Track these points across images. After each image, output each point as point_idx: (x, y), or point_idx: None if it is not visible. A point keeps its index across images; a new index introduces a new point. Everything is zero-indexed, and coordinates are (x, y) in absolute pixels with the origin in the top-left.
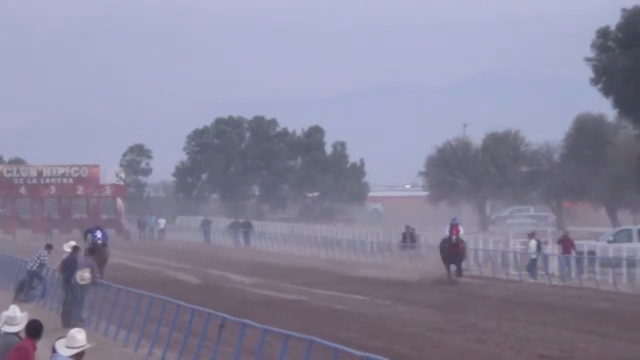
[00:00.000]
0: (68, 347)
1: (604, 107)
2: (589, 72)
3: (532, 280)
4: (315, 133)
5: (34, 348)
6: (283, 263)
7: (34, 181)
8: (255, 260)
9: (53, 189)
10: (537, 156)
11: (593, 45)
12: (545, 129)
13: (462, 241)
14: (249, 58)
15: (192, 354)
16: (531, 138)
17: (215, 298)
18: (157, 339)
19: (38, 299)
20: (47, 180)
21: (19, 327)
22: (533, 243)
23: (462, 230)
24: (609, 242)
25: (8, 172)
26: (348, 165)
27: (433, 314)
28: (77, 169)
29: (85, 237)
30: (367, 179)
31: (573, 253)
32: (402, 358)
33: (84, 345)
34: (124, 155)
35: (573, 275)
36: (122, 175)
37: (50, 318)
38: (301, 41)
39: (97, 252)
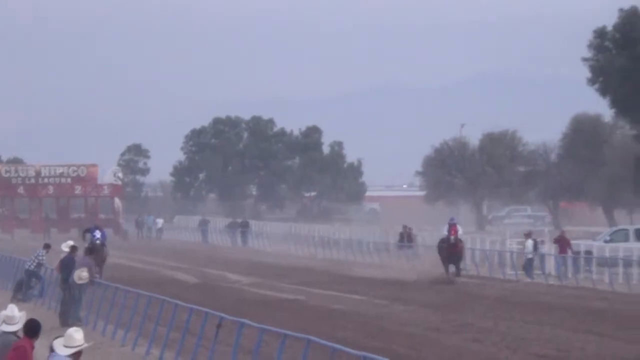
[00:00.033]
0: (66, 347)
1: (601, 107)
2: (586, 72)
3: (528, 280)
4: (313, 133)
5: (32, 347)
6: (280, 263)
7: (32, 181)
8: (252, 259)
9: (51, 189)
10: (534, 156)
11: (590, 46)
12: (542, 129)
13: (460, 241)
14: (247, 58)
15: (190, 353)
16: (528, 138)
17: (213, 297)
18: (154, 339)
19: (36, 298)
20: (45, 180)
21: (17, 327)
22: (529, 243)
23: (460, 230)
24: (606, 241)
25: (6, 171)
26: (345, 165)
27: (430, 314)
28: (75, 168)
29: (83, 236)
30: (364, 178)
31: (569, 253)
32: (400, 357)
33: (82, 345)
34: (122, 155)
35: (570, 275)
36: (120, 174)
37: (48, 317)
38: (298, 41)
39: (95, 252)
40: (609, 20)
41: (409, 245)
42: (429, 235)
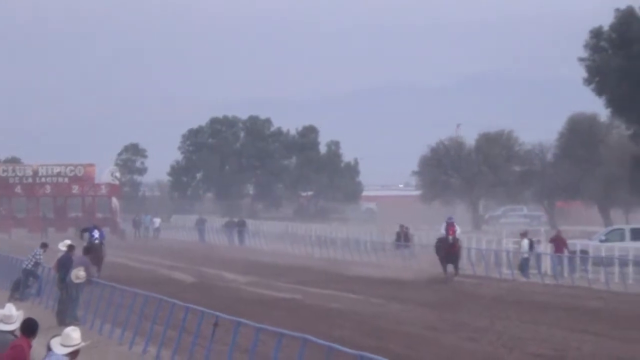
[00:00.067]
0: (63, 346)
1: (597, 107)
2: (582, 72)
3: (524, 280)
4: (310, 133)
5: (30, 346)
6: (277, 262)
7: (30, 180)
8: (249, 259)
9: (48, 188)
10: (530, 156)
11: (586, 46)
12: (539, 129)
13: (458, 240)
14: (244, 58)
15: (186, 352)
16: (524, 138)
17: (210, 296)
18: (151, 337)
19: (33, 298)
20: (43, 180)
21: (15, 326)
22: (525, 242)
23: (458, 230)
24: (602, 241)
25: (4, 171)
26: (342, 165)
27: (427, 313)
28: (72, 168)
29: (81, 236)
30: (361, 178)
31: (565, 252)
32: (396, 356)
33: (79, 344)
34: (119, 154)
35: (565, 274)
36: (117, 174)
37: (45, 316)
38: (295, 41)
39: (94, 252)
40: (606, 20)
41: (406, 244)
42: (425, 234)
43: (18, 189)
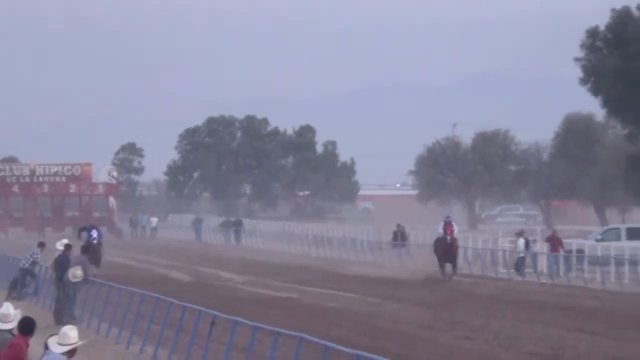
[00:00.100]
0: (60, 344)
1: (593, 107)
2: (578, 72)
3: (520, 279)
4: (306, 132)
5: (27, 345)
6: (274, 261)
7: (27, 179)
8: (246, 258)
9: (46, 187)
10: (526, 155)
11: (582, 45)
12: (535, 128)
13: (455, 240)
14: (240, 58)
15: (183, 351)
16: (520, 137)
17: (207, 296)
18: (148, 337)
19: (31, 297)
20: (40, 179)
21: (12, 325)
22: (521, 242)
23: (456, 229)
24: (597, 240)
25: (1, 170)
26: (339, 165)
27: (423, 312)
28: (69, 167)
29: (79, 235)
30: (357, 177)
31: (561, 251)
32: (392, 355)
33: (76, 343)
34: (117, 153)
35: (561, 274)
36: (115, 173)
37: (42, 315)
38: (292, 41)
39: (91, 251)
40: (601, 20)
41: (403, 243)
42: (422, 234)
43: (15, 188)
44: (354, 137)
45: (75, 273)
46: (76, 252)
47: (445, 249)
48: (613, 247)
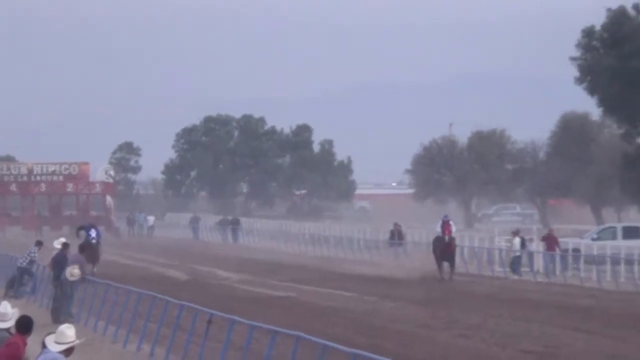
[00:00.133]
0: (58, 343)
1: (589, 106)
2: (574, 72)
3: (516, 277)
4: (303, 131)
5: (25, 344)
6: (271, 260)
7: (25, 178)
8: (243, 257)
9: (43, 187)
10: (522, 154)
11: (578, 45)
12: (531, 127)
13: (453, 239)
14: (237, 57)
15: (181, 349)
16: (517, 136)
17: (203, 294)
18: (145, 335)
19: (28, 295)
20: (38, 178)
21: (10, 323)
22: (517, 240)
23: (454, 228)
24: (593, 239)
25: None
26: (335, 163)
27: (420, 311)
28: (67, 166)
29: (77, 234)
30: (354, 176)
31: (557, 250)
32: (389, 354)
33: (74, 341)
34: (114, 153)
35: (558, 273)
36: (112, 172)
37: (40, 314)
38: (289, 40)
39: (89, 250)
40: (598, 19)
41: (400, 242)
42: (418, 233)
43: (13, 187)
44: (351, 136)
45: (73, 272)
46: (74, 250)
47: (444, 249)
48: (609, 246)
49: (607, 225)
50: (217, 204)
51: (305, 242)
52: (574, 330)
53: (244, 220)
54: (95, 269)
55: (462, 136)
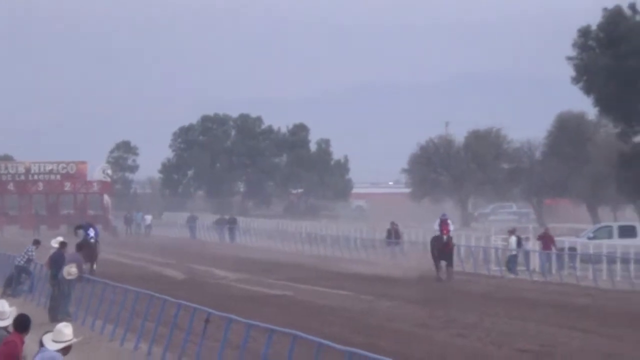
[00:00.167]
0: (55, 341)
1: (585, 106)
2: (570, 71)
3: (512, 276)
4: (300, 131)
5: (22, 342)
6: (268, 259)
7: (22, 177)
8: (240, 256)
9: (41, 186)
10: (518, 153)
11: (574, 45)
12: (527, 127)
13: (451, 239)
14: (235, 56)
15: (178, 348)
16: (513, 136)
17: (201, 293)
18: (143, 334)
19: (26, 294)
20: (35, 177)
21: (8, 322)
22: (513, 239)
23: (452, 227)
24: (590, 238)
25: None
26: (332, 163)
27: (416, 310)
28: (64, 165)
29: (75, 232)
30: (350, 176)
31: (553, 249)
32: (386, 353)
33: (71, 340)
34: (111, 152)
35: (554, 271)
36: (109, 171)
37: (37, 312)
38: (286, 40)
39: (87, 249)
40: (594, 19)
41: (396, 241)
42: (415, 232)
43: (10, 186)
44: (348, 136)
45: (70, 270)
46: (71, 249)
47: (442, 248)
48: (605, 245)
49: (603, 224)
50: (214, 203)
51: (302, 241)
52: (570, 329)
53: (241, 220)
54: (95, 267)
55: (459, 136)
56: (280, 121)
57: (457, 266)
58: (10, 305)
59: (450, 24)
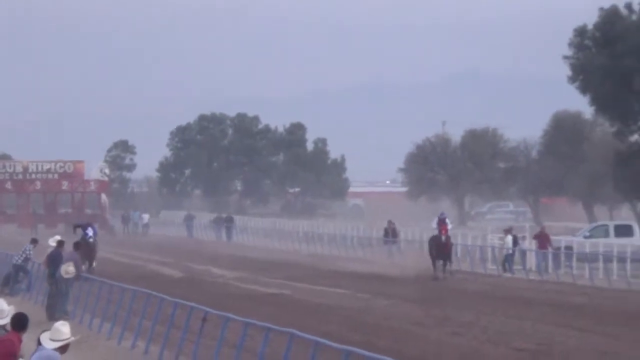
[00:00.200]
0: (53, 340)
1: (581, 105)
2: (566, 70)
3: (508, 275)
4: (297, 130)
5: (20, 341)
6: (265, 257)
7: (20, 176)
8: (237, 254)
9: (38, 184)
10: (515, 152)
11: (571, 44)
12: (523, 126)
13: (449, 238)
14: (232, 56)
15: (175, 346)
16: (509, 135)
17: (198, 292)
18: (140, 332)
19: (23, 293)
20: (33, 176)
21: (5, 320)
22: (509, 238)
23: (450, 226)
24: (586, 237)
25: None
26: (329, 162)
27: (413, 308)
28: (62, 164)
29: (74, 231)
30: (347, 174)
31: (549, 248)
32: (383, 351)
33: (69, 338)
34: (109, 151)
35: (550, 270)
36: (107, 170)
37: (35, 311)
38: (283, 39)
39: (85, 248)
40: (590, 18)
41: (393, 240)
42: (412, 231)
43: (8, 185)
44: (345, 135)
45: (68, 269)
46: (69, 248)
47: (440, 248)
48: (601, 243)
49: (599, 223)
50: (211, 201)
51: (299, 240)
52: (567, 327)
53: (237, 218)
54: (94, 265)
55: (455, 135)
56: (277, 120)
57: (453, 265)
58: (8, 303)
59: (452, 23)
